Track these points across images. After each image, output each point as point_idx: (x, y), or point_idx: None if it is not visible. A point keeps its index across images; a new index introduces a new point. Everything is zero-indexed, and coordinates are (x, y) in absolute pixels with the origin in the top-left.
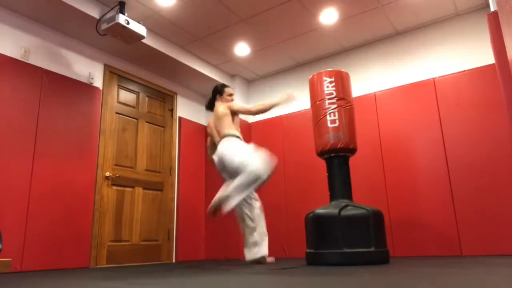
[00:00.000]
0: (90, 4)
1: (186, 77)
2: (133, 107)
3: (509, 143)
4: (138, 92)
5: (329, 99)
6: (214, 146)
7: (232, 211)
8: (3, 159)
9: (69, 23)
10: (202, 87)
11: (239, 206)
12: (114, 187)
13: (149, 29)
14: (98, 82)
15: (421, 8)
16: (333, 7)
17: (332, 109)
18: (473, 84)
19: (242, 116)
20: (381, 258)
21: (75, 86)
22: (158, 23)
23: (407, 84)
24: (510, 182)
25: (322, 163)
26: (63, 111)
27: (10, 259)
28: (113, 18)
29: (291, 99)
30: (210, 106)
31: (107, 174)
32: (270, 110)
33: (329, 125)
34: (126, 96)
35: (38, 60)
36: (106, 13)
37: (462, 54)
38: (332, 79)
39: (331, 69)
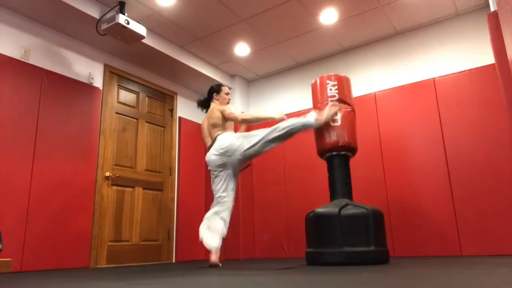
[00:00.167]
0: (90, 4)
1: (186, 77)
2: (133, 107)
3: (509, 143)
4: (138, 92)
5: (332, 101)
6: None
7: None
8: (3, 159)
9: (69, 23)
10: (202, 87)
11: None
12: (114, 187)
13: (149, 29)
14: (98, 82)
15: (421, 8)
16: (333, 7)
17: None
18: (473, 84)
19: None
20: (381, 258)
21: (75, 86)
22: (158, 23)
23: (407, 84)
24: (510, 182)
25: (322, 163)
26: (63, 111)
27: (10, 259)
28: (113, 18)
29: (283, 120)
30: (204, 105)
31: (107, 174)
32: (259, 122)
33: (331, 123)
34: (126, 96)
35: (38, 60)
36: (106, 13)
37: (462, 54)
38: (335, 83)
39: (331, 70)
